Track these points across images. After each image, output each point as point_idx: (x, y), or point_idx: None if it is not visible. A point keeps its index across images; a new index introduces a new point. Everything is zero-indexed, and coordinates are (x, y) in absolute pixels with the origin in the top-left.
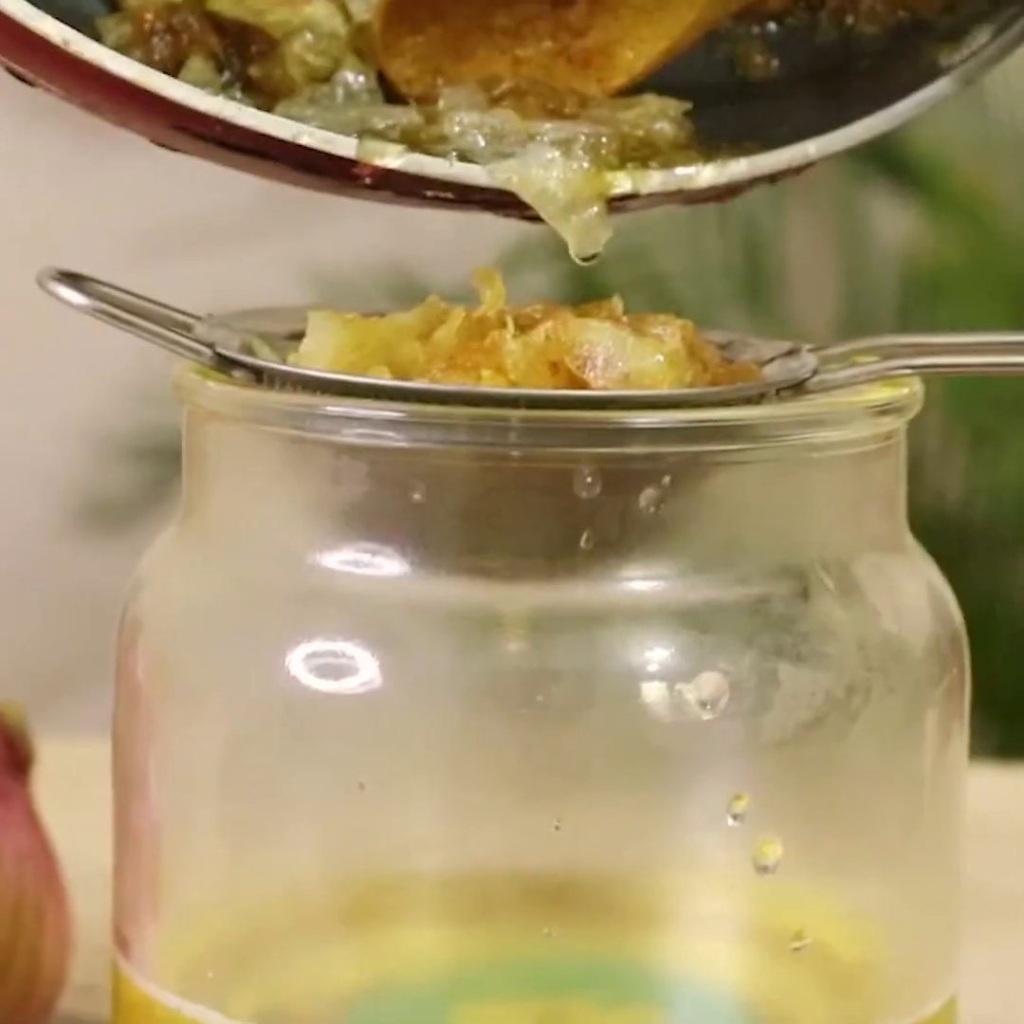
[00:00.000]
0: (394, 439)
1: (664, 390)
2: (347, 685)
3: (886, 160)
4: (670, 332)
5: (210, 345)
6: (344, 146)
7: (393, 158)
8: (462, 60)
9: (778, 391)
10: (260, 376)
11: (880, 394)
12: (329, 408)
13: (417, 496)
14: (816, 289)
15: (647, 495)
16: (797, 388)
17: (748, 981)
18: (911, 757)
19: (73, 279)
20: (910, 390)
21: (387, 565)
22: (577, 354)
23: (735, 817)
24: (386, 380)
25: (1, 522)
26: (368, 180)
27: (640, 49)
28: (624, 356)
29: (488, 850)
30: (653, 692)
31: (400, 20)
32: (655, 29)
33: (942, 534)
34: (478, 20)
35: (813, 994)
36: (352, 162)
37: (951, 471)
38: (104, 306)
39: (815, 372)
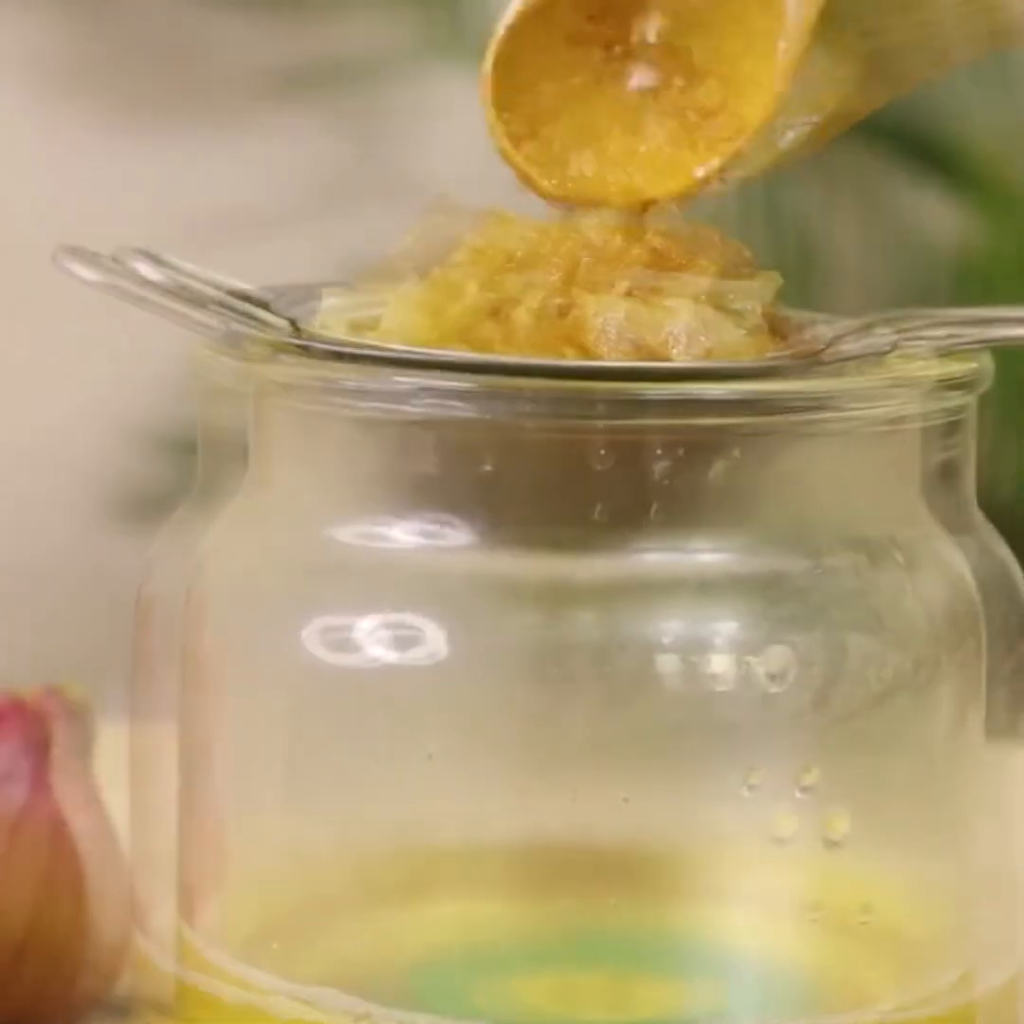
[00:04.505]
0: (464, 410)
1: (745, 362)
2: (415, 656)
3: (936, 156)
4: (751, 307)
5: (291, 320)
6: None
7: None
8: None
9: (852, 363)
10: (334, 354)
11: (950, 369)
12: (399, 380)
13: (487, 468)
14: (867, 286)
15: (717, 467)
16: (874, 360)
17: (815, 954)
18: (978, 732)
19: (86, 255)
20: (979, 365)
21: (455, 536)
22: (658, 331)
23: (803, 790)
24: (466, 355)
25: (40, 513)
26: None
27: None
28: (705, 332)
29: (555, 821)
30: (722, 664)
31: (515, 70)
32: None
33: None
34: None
35: (880, 968)
36: None
37: (1004, 462)
38: (116, 281)
39: (893, 347)
